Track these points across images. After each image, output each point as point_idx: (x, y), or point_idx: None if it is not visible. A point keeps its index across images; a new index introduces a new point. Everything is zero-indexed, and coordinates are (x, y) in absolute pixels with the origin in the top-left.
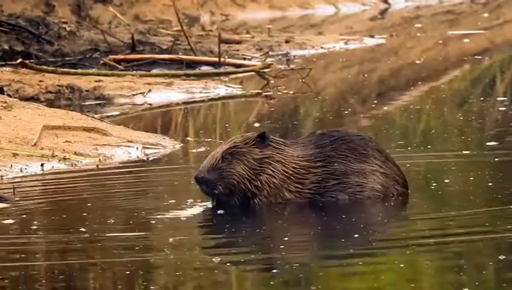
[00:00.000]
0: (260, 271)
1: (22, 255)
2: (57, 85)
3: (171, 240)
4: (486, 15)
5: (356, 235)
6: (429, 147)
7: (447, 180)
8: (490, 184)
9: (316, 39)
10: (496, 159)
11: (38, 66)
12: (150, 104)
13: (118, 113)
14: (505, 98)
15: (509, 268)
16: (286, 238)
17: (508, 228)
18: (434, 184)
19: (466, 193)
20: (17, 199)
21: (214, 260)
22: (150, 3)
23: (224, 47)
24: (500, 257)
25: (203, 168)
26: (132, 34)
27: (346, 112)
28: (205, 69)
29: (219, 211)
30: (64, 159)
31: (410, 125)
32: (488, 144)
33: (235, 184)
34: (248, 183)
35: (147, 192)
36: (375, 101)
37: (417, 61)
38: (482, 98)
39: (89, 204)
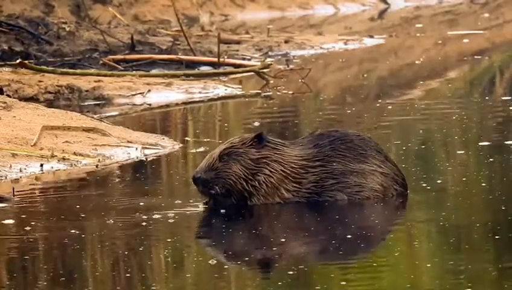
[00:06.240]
0: (257, 272)
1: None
2: (56, 85)
3: (168, 240)
4: (485, 15)
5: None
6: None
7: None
8: (484, 184)
9: (316, 39)
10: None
11: (37, 66)
12: (150, 105)
13: (117, 113)
14: (506, 98)
15: None
16: (283, 239)
17: None
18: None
19: (462, 193)
20: (16, 199)
21: (210, 262)
22: (149, 4)
23: (223, 47)
24: None
25: (200, 168)
26: (131, 34)
27: (346, 112)
28: (204, 69)
29: (220, 211)
30: (64, 159)
31: (409, 125)
32: (480, 144)
33: (232, 184)
34: (245, 183)
35: (146, 192)
36: (375, 101)
37: (416, 62)
38: (481, 98)
39: (86, 204)
